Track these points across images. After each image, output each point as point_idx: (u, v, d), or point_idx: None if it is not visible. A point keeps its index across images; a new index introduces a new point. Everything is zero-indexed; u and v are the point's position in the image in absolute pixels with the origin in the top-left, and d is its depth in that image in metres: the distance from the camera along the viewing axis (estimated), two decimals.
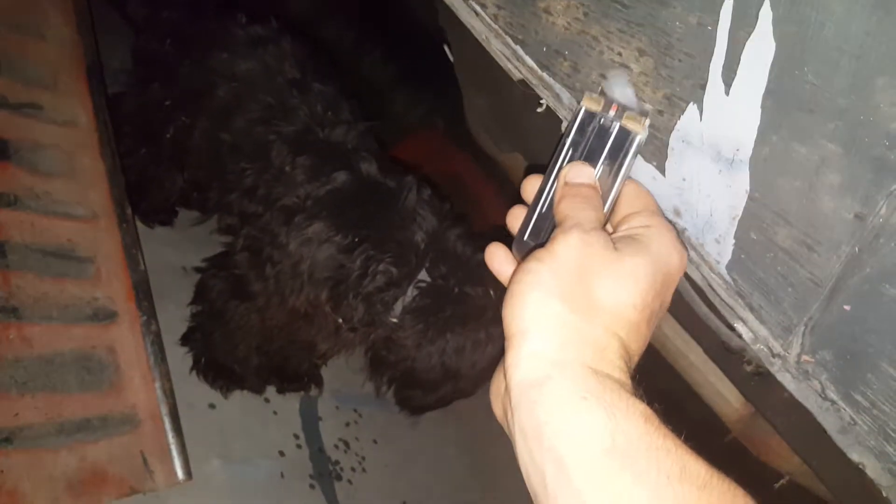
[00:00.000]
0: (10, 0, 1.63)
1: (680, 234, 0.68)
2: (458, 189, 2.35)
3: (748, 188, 0.58)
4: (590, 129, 0.62)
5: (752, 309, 0.65)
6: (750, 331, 0.70)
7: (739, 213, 0.60)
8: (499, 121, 1.24)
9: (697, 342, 0.95)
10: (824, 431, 0.68)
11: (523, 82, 0.80)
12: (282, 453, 1.68)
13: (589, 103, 0.62)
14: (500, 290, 1.39)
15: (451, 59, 1.30)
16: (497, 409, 0.59)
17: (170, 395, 1.42)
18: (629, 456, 0.45)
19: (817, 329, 0.60)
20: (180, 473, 1.37)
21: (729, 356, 0.78)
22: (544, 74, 0.74)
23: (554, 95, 0.74)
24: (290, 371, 1.75)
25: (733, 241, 0.62)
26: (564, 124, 0.77)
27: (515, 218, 0.66)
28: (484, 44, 0.84)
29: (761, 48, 0.51)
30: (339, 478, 1.75)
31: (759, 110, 0.54)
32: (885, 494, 0.66)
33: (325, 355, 1.70)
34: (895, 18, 0.43)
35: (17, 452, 1.18)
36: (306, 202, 1.31)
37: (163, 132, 1.59)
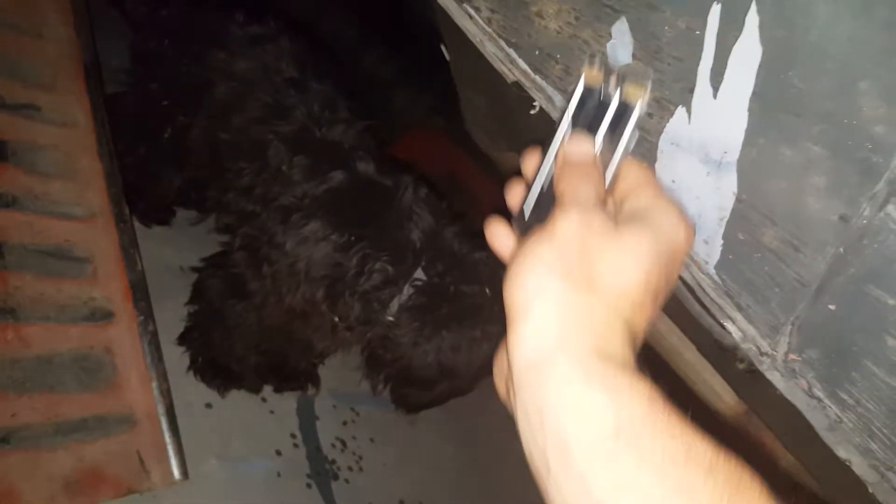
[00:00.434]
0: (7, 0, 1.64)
1: None
2: (457, 186, 2.36)
3: (736, 190, 0.59)
4: (590, 102, 0.60)
5: (740, 308, 0.66)
6: (739, 330, 0.71)
7: (727, 214, 0.61)
8: (495, 121, 1.25)
9: (691, 340, 0.96)
10: (813, 429, 0.69)
11: (517, 84, 0.81)
12: (279, 452, 1.69)
13: (589, 77, 0.60)
14: (497, 289, 1.39)
15: (448, 58, 1.30)
16: (500, 389, 0.59)
17: (167, 394, 1.43)
18: (633, 437, 0.44)
19: (804, 328, 0.61)
20: (177, 473, 1.37)
21: (722, 354, 0.79)
22: (537, 77, 0.75)
23: (546, 98, 0.75)
24: (288, 370, 1.75)
25: (721, 242, 0.63)
26: (558, 125, 0.78)
27: (515, 195, 0.64)
28: (478, 46, 0.85)
29: (748, 52, 0.52)
30: (336, 477, 1.75)
31: (747, 113, 0.54)
32: (871, 491, 0.67)
33: (322, 354, 1.71)
34: (877, 24, 0.44)
35: (15, 452, 1.19)
36: (303, 201, 1.32)
37: (161, 131, 1.60)
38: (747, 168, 0.57)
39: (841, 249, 0.54)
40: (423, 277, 1.31)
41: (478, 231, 1.44)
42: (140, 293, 1.49)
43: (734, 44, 0.53)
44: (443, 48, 1.23)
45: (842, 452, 0.67)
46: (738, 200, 0.59)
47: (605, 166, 0.59)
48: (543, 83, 0.74)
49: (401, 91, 2.43)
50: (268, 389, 1.74)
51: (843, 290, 0.55)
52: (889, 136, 0.46)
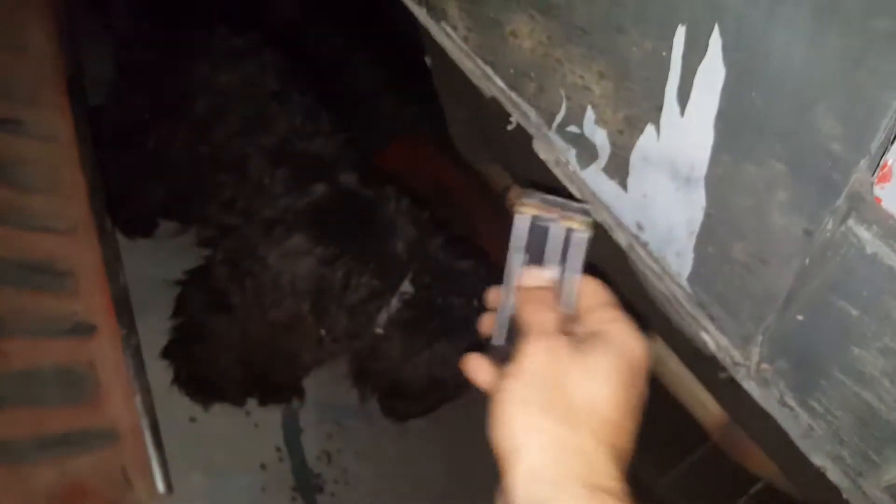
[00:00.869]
0: None
1: (643, 247, 0.70)
2: (443, 195, 2.36)
3: (704, 205, 0.60)
4: (536, 231, 0.64)
5: (712, 319, 0.68)
6: (713, 340, 0.72)
7: (697, 228, 0.62)
8: (476, 133, 1.26)
9: (673, 350, 0.98)
10: (788, 437, 0.70)
11: (494, 100, 0.83)
12: (263, 466, 1.68)
13: (529, 209, 0.64)
14: (483, 300, 1.41)
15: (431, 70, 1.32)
16: None
17: (150, 408, 1.42)
18: None
19: (774, 339, 0.63)
20: (161, 487, 1.37)
21: (703, 364, 0.80)
22: (513, 94, 0.76)
23: (522, 114, 0.77)
24: (272, 383, 1.75)
25: (692, 255, 0.65)
26: (534, 141, 0.79)
27: (486, 325, 0.69)
28: (457, 62, 0.86)
29: (712, 73, 0.54)
30: (322, 490, 1.75)
31: (712, 131, 0.56)
32: (845, 497, 0.68)
33: (308, 367, 1.71)
34: (831, 49, 0.45)
35: None
36: (286, 214, 1.32)
37: (143, 144, 1.60)
38: (714, 184, 0.59)
39: (806, 262, 0.55)
40: (411, 290, 1.32)
41: (462, 239, 1.46)
42: (123, 307, 1.49)
43: (699, 65, 0.54)
44: (427, 59, 1.24)
45: (816, 460, 0.68)
46: (707, 215, 0.61)
47: (564, 290, 0.63)
48: (519, 100, 0.76)
49: (386, 101, 2.44)
50: (252, 402, 1.73)
51: (810, 301, 0.57)
52: (847, 153, 0.48)
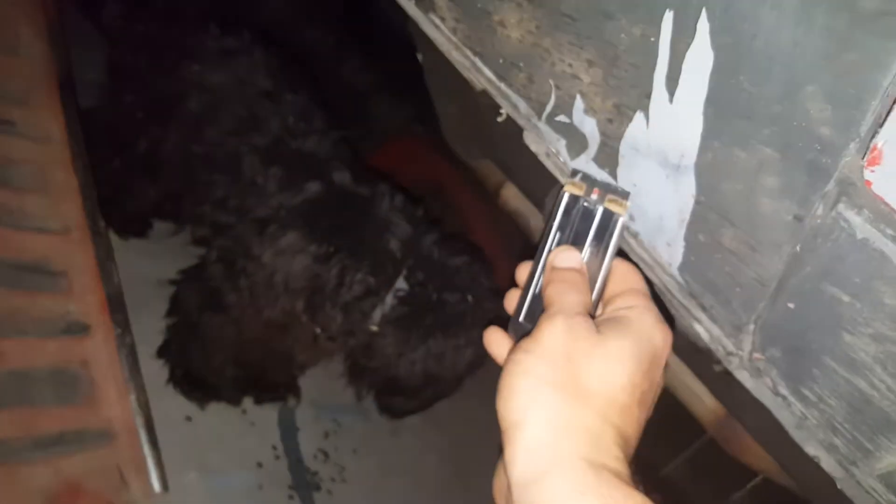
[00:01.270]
0: None
1: (633, 237, 0.70)
2: (437, 193, 2.36)
3: (694, 192, 0.60)
4: (574, 211, 0.64)
5: (704, 309, 0.67)
6: (706, 330, 0.72)
7: (687, 216, 0.62)
8: (467, 129, 1.26)
9: None
10: (782, 427, 0.70)
11: (484, 92, 0.82)
12: (260, 465, 1.68)
13: (570, 188, 0.64)
14: (478, 295, 1.40)
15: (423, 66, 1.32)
16: None
17: (145, 407, 1.42)
18: None
19: (765, 327, 0.62)
20: (157, 486, 1.36)
21: (698, 356, 0.80)
22: (502, 85, 0.76)
23: (512, 105, 0.76)
24: (268, 382, 1.75)
25: (683, 244, 0.64)
26: (524, 133, 0.79)
27: (511, 300, 0.68)
28: (446, 55, 0.86)
29: (700, 58, 0.53)
30: (318, 488, 1.75)
31: (701, 117, 0.56)
32: (839, 487, 0.68)
33: (303, 365, 1.71)
34: (818, 30, 0.45)
35: None
36: (279, 213, 1.32)
37: (136, 144, 1.60)
38: (704, 171, 0.58)
39: (797, 248, 0.55)
40: (405, 287, 1.32)
41: (456, 236, 1.46)
42: (117, 306, 1.49)
43: (687, 50, 0.54)
44: (419, 56, 1.24)
45: (810, 449, 0.68)
46: (697, 203, 0.60)
47: (592, 273, 0.62)
48: (508, 91, 0.75)
49: (380, 99, 2.44)
50: (248, 401, 1.73)
51: (801, 288, 0.56)
52: (836, 137, 0.47)
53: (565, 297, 0.58)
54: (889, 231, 0.47)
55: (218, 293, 1.42)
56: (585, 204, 0.63)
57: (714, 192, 0.58)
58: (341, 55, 2.35)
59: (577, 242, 0.63)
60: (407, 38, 1.16)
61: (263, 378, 1.73)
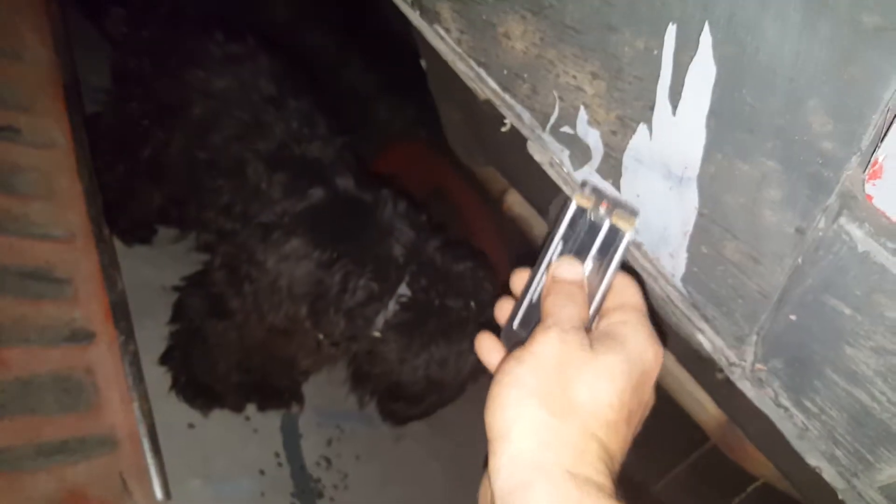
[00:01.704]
0: None
1: (637, 248, 0.70)
2: (440, 198, 2.37)
3: (697, 204, 0.60)
4: (580, 223, 0.62)
5: (706, 320, 0.68)
6: (708, 341, 0.72)
7: (690, 228, 0.62)
8: (471, 135, 1.27)
9: (671, 352, 0.98)
10: (784, 437, 0.70)
11: (488, 102, 0.83)
12: (262, 472, 1.67)
13: (580, 199, 0.63)
14: (481, 301, 1.40)
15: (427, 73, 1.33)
16: None
17: (148, 415, 1.42)
18: None
19: (767, 338, 0.62)
20: (160, 494, 1.36)
21: (701, 364, 0.80)
22: (506, 96, 0.76)
23: (516, 116, 0.77)
24: (271, 388, 1.75)
25: (686, 255, 0.64)
26: (528, 143, 0.79)
27: (503, 309, 0.67)
28: (451, 65, 0.87)
29: (703, 71, 0.54)
30: (322, 495, 1.74)
31: (704, 130, 0.56)
32: (840, 497, 0.68)
33: (306, 371, 1.71)
34: (821, 41, 0.45)
35: None
36: (283, 219, 1.32)
37: (140, 150, 1.60)
38: (707, 183, 0.58)
39: (799, 261, 0.55)
40: (408, 293, 1.32)
41: (459, 241, 1.46)
42: (121, 313, 1.49)
43: (690, 63, 0.54)
44: (422, 62, 1.25)
45: (811, 460, 0.68)
46: (700, 214, 0.61)
47: (592, 287, 0.61)
48: (512, 101, 0.76)
49: (383, 104, 2.45)
50: (251, 408, 1.73)
51: (802, 300, 0.57)
52: (837, 150, 0.48)
53: (563, 311, 0.58)
54: (890, 245, 0.47)
55: (221, 299, 1.43)
56: (592, 217, 0.62)
57: (717, 203, 0.59)
58: (343, 59, 2.36)
59: (580, 254, 0.62)
60: (408, 41, 1.16)
61: (266, 384, 1.73)
